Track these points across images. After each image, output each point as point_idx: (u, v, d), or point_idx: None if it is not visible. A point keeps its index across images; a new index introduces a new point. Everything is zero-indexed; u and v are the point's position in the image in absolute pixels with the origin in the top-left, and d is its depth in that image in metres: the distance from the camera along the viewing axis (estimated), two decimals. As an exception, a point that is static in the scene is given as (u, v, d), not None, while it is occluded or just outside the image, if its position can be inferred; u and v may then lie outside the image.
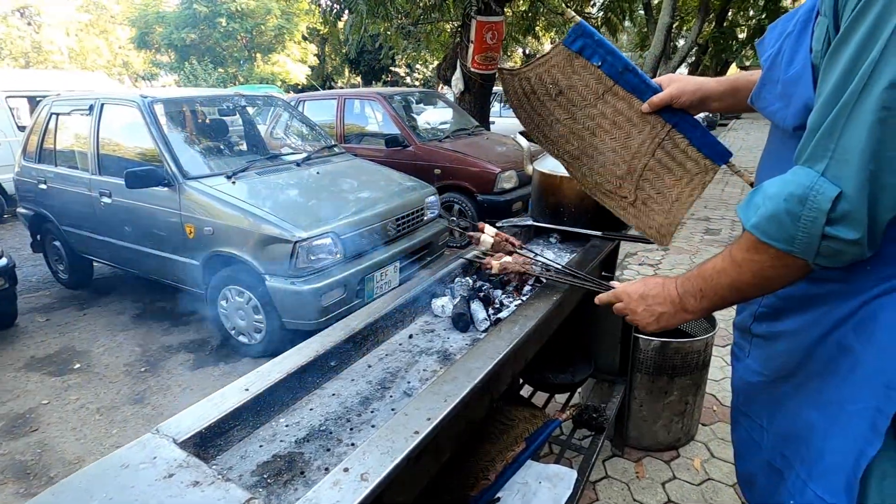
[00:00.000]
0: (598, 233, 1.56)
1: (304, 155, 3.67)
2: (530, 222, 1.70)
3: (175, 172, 2.95)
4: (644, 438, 1.95)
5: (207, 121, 3.84)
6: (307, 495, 0.59)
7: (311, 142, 4.13)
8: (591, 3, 9.17)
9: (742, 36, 13.75)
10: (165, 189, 2.97)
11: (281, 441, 0.79)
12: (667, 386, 1.85)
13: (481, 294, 1.20)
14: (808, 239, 0.63)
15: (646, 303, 0.89)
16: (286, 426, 0.82)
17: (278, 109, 4.37)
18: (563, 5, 7.41)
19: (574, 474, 1.37)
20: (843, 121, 0.59)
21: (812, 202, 0.62)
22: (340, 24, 8.42)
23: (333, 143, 4.15)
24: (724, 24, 13.04)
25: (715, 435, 2.03)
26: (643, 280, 0.93)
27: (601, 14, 8.45)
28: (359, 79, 24.37)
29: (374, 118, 5.61)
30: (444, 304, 1.19)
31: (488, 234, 1.26)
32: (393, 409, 0.86)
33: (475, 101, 6.73)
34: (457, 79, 6.71)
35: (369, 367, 0.99)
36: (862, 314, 0.71)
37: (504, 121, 8.40)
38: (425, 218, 3.61)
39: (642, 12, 11.31)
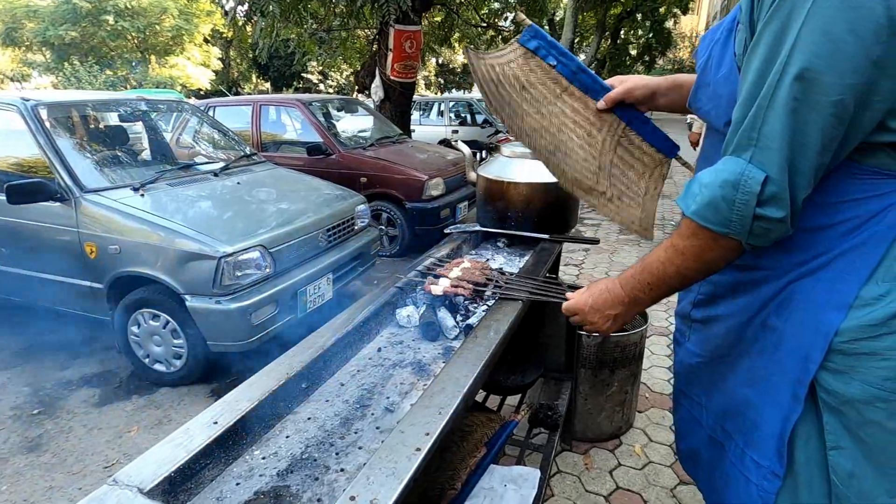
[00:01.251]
0: (546, 235, 1.62)
1: (221, 164, 3.42)
2: (478, 228, 1.72)
3: (70, 185, 2.61)
4: (589, 431, 2.04)
5: (103, 127, 3.45)
6: (315, 532, 0.54)
7: (227, 150, 3.87)
8: (504, 16, 9.59)
9: (634, 52, 15.12)
10: (58, 204, 2.61)
11: (260, 476, 0.72)
12: (609, 378, 1.96)
13: (447, 302, 1.19)
14: (741, 220, 0.69)
15: (600, 312, 0.94)
16: (262, 458, 0.75)
17: (186, 115, 4.04)
18: (518, 13, 7.66)
19: (537, 473, 1.40)
20: (763, 112, 0.66)
21: (744, 186, 0.68)
22: (249, 28, 8.01)
23: (252, 151, 3.92)
24: (619, 41, 14.25)
25: (650, 420, 2.18)
26: (588, 290, 0.98)
27: (512, 27, 8.86)
28: (268, 85, 23.32)
29: (293, 126, 5.39)
30: (409, 315, 1.15)
31: (447, 280, 1.22)
32: (378, 428, 0.82)
33: (396, 110, 6.72)
34: (376, 87, 6.66)
35: (342, 385, 0.94)
36: (782, 296, 0.80)
37: (424, 129, 8.48)
38: (356, 227, 3.52)
39: (547, 27, 12.03)
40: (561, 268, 4.21)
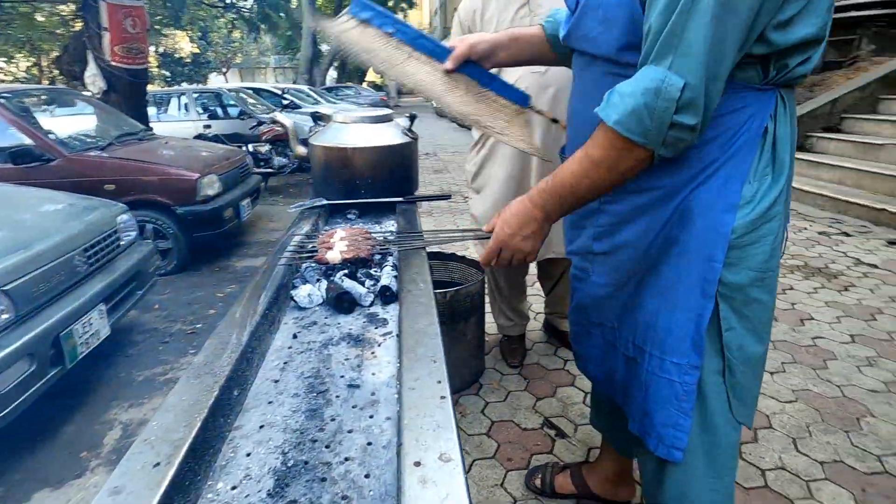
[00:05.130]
0: (400, 198, 1.60)
1: None
2: (324, 202, 1.59)
3: None
4: (455, 382, 2.15)
5: None
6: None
7: None
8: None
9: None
10: None
11: (249, 505, 0.54)
12: (464, 328, 2.09)
13: (346, 271, 1.07)
14: (658, 129, 0.72)
15: (519, 235, 0.93)
16: (234, 489, 0.56)
17: None
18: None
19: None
20: (684, 19, 0.68)
21: (664, 93, 0.70)
22: None
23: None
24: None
25: (495, 359, 2.42)
26: (498, 222, 0.96)
27: (259, 10, 8.21)
28: None
29: (-28, 128, 3.91)
30: (309, 293, 1.00)
31: (338, 247, 1.10)
32: (355, 406, 0.70)
33: (127, 102, 5.53)
34: (93, 75, 5.35)
35: (276, 382, 0.77)
36: (681, 209, 0.87)
37: (166, 126, 7.24)
38: (122, 243, 2.83)
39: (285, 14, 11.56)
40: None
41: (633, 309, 1.00)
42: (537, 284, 2.53)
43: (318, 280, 1.06)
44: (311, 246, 1.16)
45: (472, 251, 3.14)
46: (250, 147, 6.11)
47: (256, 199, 4.83)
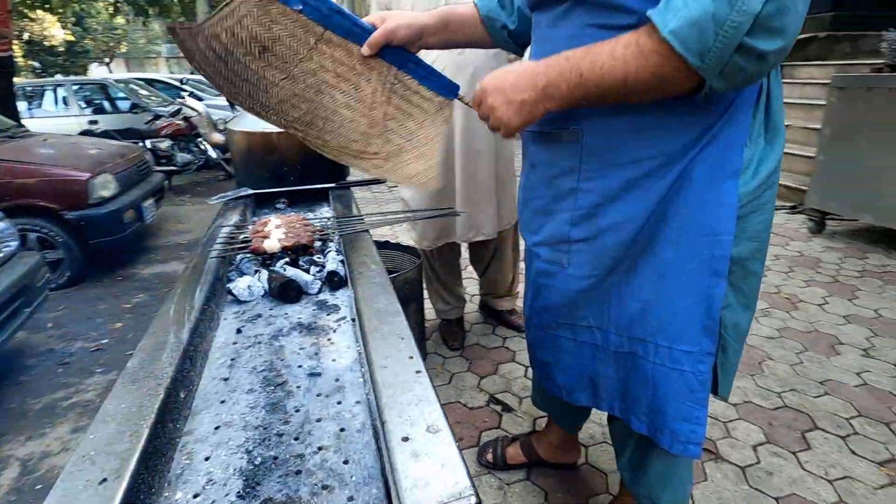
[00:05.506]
0: (332, 184, 1.53)
1: None
2: (250, 192, 1.48)
3: None
4: (399, 371, 2.12)
5: None
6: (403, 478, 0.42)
7: None
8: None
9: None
10: None
11: (218, 511, 0.49)
12: (406, 315, 2.06)
13: (286, 260, 1.01)
14: (721, 52, 0.58)
15: (503, 95, 0.76)
16: (196, 497, 0.50)
17: None
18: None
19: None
20: None
21: (742, 4, 0.55)
22: None
23: None
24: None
25: (436, 343, 2.43)
26: (503, 70, 0.79)
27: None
28: None
29: None
30: (249, 285, 0.93)
31: (274, 235, 1.03)
32: (319, 394, 0.66)
33: (-10, 96, 4.79)
34: (-58, 64, 4.57)
35: (225, 380, 0.70)
36: (679, 182, 0.76)
37: (41, 123, 6.40)
38: (1, 255, 2.47)
39: None
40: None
41: (623, 299, 0.90)
42: (470, 268, 2.57)
43: (256, 271, 0.99)
44: (242, 237, 1.08)
45: (405, 239, 3.11)
46: (148, 143, 5.56)
47: (161, 200, 4.42)
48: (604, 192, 0.83)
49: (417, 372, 0.58)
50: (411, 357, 0.61)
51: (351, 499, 0.49)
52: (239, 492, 0.51)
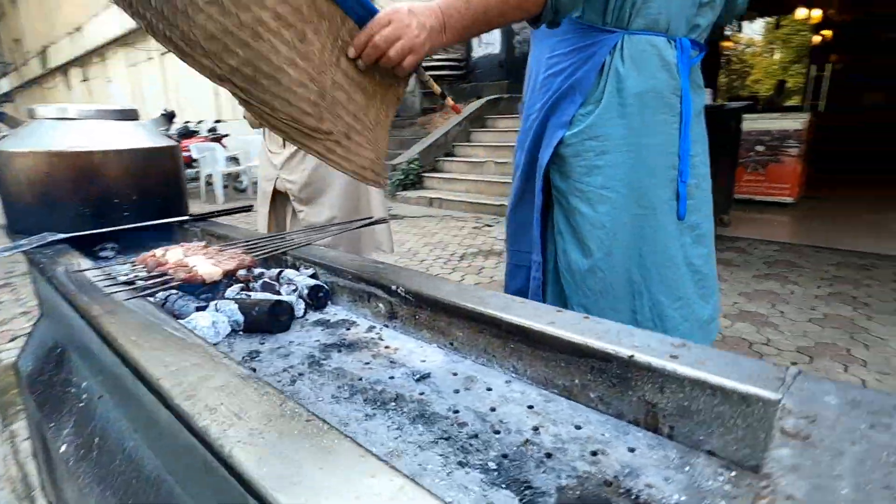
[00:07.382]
0: (183, 217, 1.19)
1: None
2: (54, 237, 1.01)
3: None
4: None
5: None
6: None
7: None
8: None
9: None
10: None
11: None
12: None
13: (244, 286, 0.75)
14: None
15: (417, 18, 0.77)
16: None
17: None
18: None
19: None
20: None
21: None
22: None
23: None
24: None
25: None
26: (403, 3, 0.80)
27: None
28: None
29: None
30: (214, 321, 0.65)
31: (201, 261, 0.73)
32: (456, 391, 0.52)
33: None
34: None
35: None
36: (537, 132, 1.04)
37: None
38: None
39: None
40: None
41: (517, 223, 1.15)
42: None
43: (199, 308, 0.70)
44: (145, 273, 0.75)
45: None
46: None
47: None
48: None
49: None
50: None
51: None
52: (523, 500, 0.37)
